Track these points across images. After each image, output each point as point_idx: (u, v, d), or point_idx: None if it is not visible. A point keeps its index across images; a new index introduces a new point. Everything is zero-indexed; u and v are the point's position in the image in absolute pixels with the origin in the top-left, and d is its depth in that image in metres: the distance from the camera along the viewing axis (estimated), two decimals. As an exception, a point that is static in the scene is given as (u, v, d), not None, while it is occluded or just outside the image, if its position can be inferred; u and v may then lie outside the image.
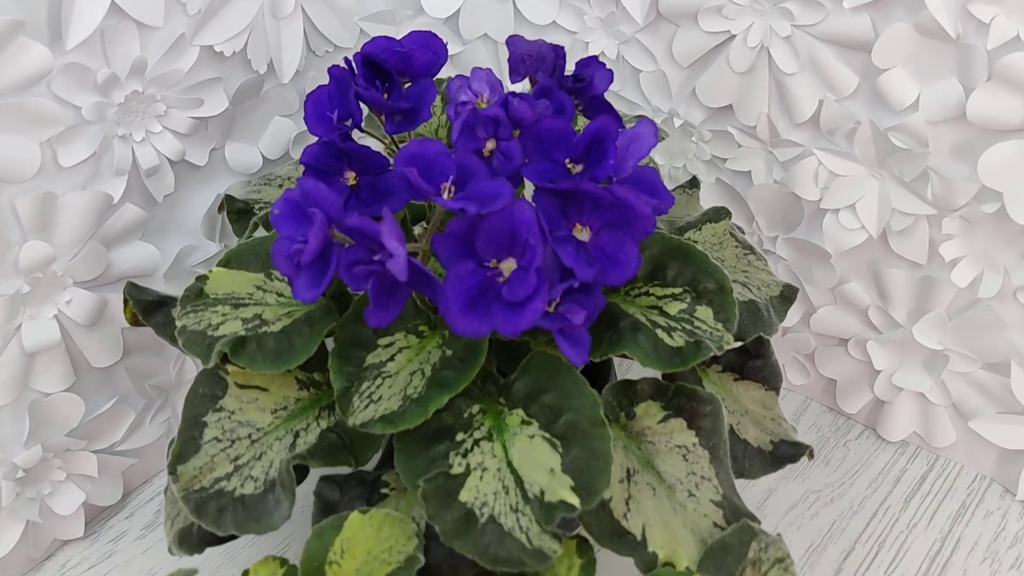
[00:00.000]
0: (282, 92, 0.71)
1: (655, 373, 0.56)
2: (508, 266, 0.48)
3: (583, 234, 0.50)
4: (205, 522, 0.47)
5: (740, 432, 0.55)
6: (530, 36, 0.78)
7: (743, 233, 0.70)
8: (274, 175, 0.70)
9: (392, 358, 0.51)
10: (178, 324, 0.53)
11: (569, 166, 0.50)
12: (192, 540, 0.50)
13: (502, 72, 0.81)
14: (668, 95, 0.75)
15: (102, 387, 0.69)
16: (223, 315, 0.53)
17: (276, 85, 0.70)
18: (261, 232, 0.63)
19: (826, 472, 0.77)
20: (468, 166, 0.49)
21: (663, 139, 0.70)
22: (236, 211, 0.65)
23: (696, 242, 0.64)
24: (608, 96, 0.79)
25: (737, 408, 0.56)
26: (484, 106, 0.52)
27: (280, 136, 0.73)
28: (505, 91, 0.54)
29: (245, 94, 0.68)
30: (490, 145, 0.51)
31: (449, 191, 0.47)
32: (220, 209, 0.68)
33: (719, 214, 0.64)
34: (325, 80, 0.74)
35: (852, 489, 0.75)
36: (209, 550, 0.51)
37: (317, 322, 0.52)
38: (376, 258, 0.46)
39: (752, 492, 0.73)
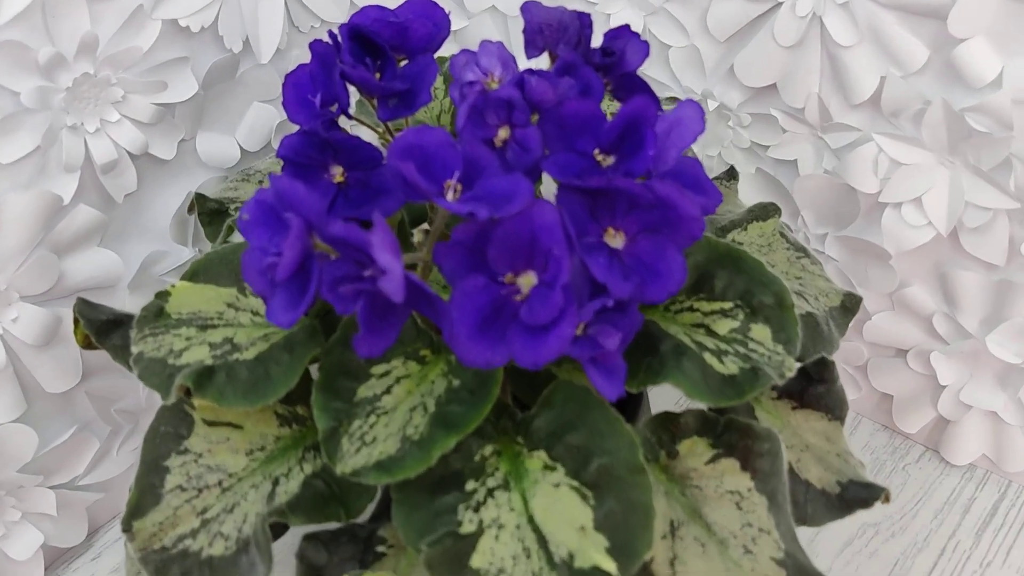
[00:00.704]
0: (261, 74, 0.63)
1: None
2: (527, 281, 0.40)
3: (617, 240, 0.42)
4: (165, 592, 0.40)
5: (801, 471, 0.48)
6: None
7: (790, 231, 0.62)
8: (253, 170, 0.62)
9: (388, 390, 0.44)
10: (134, 350, 0.45)
11: (599, 158, 0.43)
12: (152, 610, 0.42)
13: (514, 50, 0.72)
14: (701, 73, 0.67)
15: (59, 414, 0.62)
16: (187, 339, 0.46)
17: (254, 66, 0.62)
18: (238, 237, 0.55)
19: (883, 500, 0.69)
20: (477, 159, 0.41)
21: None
22: (208, 212, 0.58)
23: (743, 244, 0.56)
24: (633, 75, 0.71)
25: (796, 442, 0.48)
26: (495, 86, 0.44)
27: (260, 125, 0.65)
28: (520, 69, 0.46)
29: (218, 76, 0.60)
30: (503, 133, 0.43)
31: (454, 190, 0.40)
32: (190, 210, 0.60)
33: (767, 211, 0.56)
34: (309, 59, 0.67)
35: (915, 522, 0.67)
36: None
37: (299, 347, 0.44)
38: (366, 274, 0.39)
39: (801, 527, 0.65)
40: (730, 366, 0.44)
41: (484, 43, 0.45)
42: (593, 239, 0.42)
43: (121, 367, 0.62)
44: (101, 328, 0.51)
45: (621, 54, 0.45)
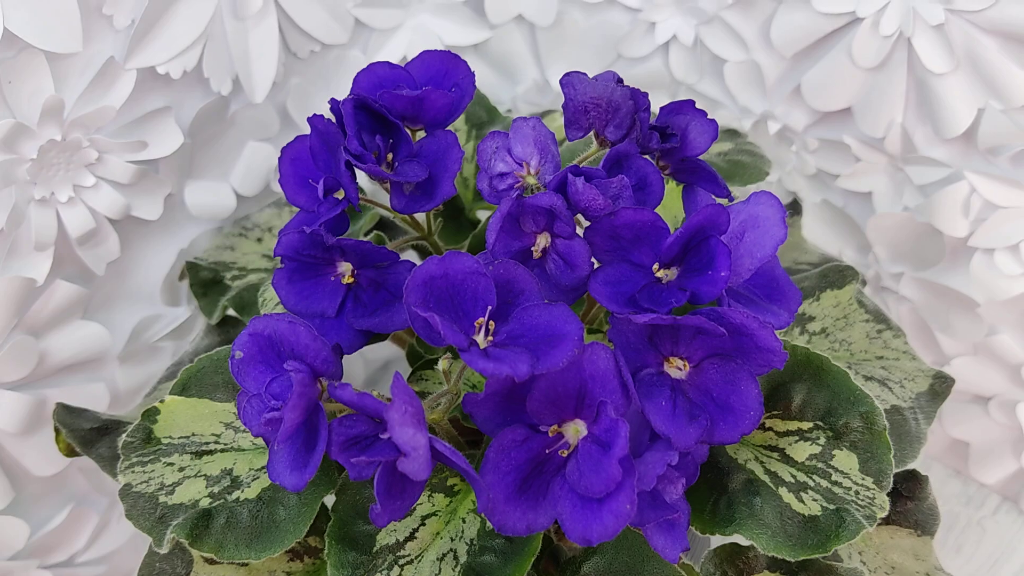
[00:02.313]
0: (255, 113, 0.57)
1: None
2: (575, 430, 0.36)
3: (680, 370, 0.36)
4: None
5: (887, 601, 0.43)
6: (580, 17, 0.63)
7: (862, 285, 0.56)
8: (251, 223, 0.57)
9: (413, 534, 0.39)
10: (120, 479, 0.41)
11: (659, 273, 0.37)
12: None
13: (544, 65, 0.65)
14: (761, 92, 0.60)
15: (52, 495, 0.58)
16: (180, 470, 0.41)
17: (246, 105, 0.55)
18: (235, 325, 0.50)
19: (959, 561, 0.65)
20: (512, 283, 0.36)
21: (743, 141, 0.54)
22: (201, 282, 0.52)
23: (815, 317, 0.50)
24: (682, 91, 0.64)
25: (880, 564, 0.43)
26: (532, 181, 0.38)
27: (257, 166, 0.59)
28: (558, 151, 0.39)
29: (206, 122, 0.54)
30: (542, 241, 0.37)
31: (486, 331, 0.34)
32: (181, 277, 0.54)
33: (843, 276, 0.50)
34: (311, 91, 0.60)
35: (996, 589, 0.63)
36: None
37: (308, 487, 0.39)
38: (384, 436, 0.34)
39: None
40: (811, 505, 0.39)
41: (517, 124, 0.39)
42: (652, 371, 0.37)
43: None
44: (85, 437, 0.46)
45: (683, 135, 0.39)
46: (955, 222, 0.56)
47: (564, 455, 0.35)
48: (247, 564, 0.42)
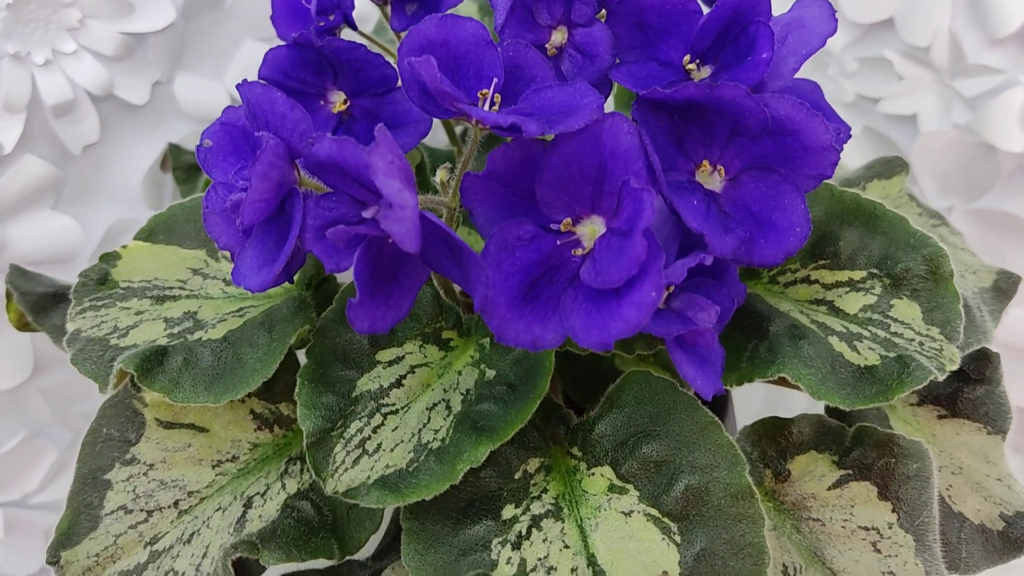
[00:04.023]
0: (255, 6, 0.54)
1: (807, 403, 0.37)
2: (591, 230, 0.31)
3: (713, 180, 0.32)
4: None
5: (953, 502, 0.37)
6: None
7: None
8: (243, 120, 0.53)
9: (399, 382, 0.34)
10: (68, 327, 0.36)
11: (689, 68, 0.33)
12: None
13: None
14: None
15: (5, 416, 0.53)
16: (137, 314, 0.37)
17: (246, -6, 0.53)
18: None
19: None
20: (523, 64, 0.32)
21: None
22: (184, 167, 0.49)
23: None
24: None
25: (946, 463, 0.38)
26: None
27: (254, 68, 0.55)
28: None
29: (201, 6, 0.51)
30: (558, 37, 0.34)
31: (491, 103, 0.30)
32: (164, 165, 0.51)
33: (891, 167, 0.46)
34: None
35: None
36: None
37: (280, 324, 0.35)
38: (367, 214, 0.29)
39: None
40: (867, 355, 0.33)
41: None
42: (681, 176, 0.32)
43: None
44: (38, 304, 0.42)
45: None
46: (1010, 135, 0.52)
47: (578, 255, 0.30)
48: (207, 431, 0.37)
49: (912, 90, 0.56)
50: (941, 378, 0.32)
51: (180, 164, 0.49)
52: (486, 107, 0.30)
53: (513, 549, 0.32)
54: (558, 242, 0.31)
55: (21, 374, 0.52)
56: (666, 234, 0.32)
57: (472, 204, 0.31)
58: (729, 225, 0.32)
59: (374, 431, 0.33)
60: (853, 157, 0.62)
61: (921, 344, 0.34)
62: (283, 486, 0.36)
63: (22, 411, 0.55)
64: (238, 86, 0.31)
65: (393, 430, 0.33)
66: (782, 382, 0.34)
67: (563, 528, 0.33)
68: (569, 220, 0.31)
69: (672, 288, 0.32)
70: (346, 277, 0.39)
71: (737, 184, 0.33)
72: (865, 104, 0.59)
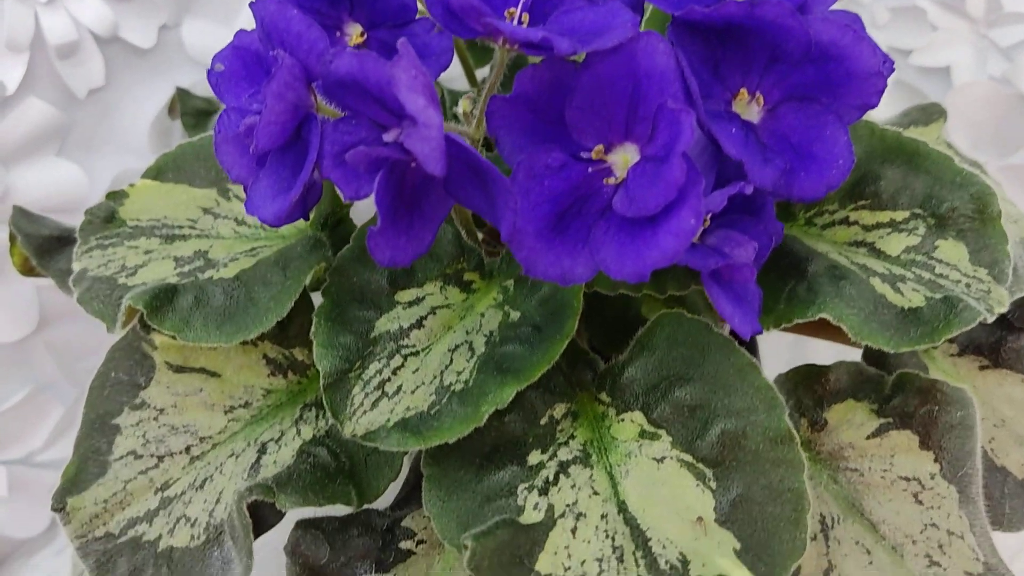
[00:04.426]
0: (266, -53, 0.52)
1: (844, 352, 0.36)
2: (624, 158, 0.29)
3: (751, 109, 0.31)
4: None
5: (996, 456, 0.36)
6: None
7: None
8: (254, 66, 0.52)
9: (420, 323, 0.33)
10: (75, 267, 0.35)
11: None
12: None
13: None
14: (825, -44, 0.55)
15: (10, 370, 0.52)
16: (146, 253, 0.35)
17: (256, -67, 0.51)
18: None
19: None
20: (551, -14, 0.30)
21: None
22: (193, 112, 0.48)
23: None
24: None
25: (988, 415, 0.36)
26: None
27: (264, 14, 0.54)
28: None
29: (210, -56, 0.49)
30: (587, -44, 0.31)
31: (519, 21, 0.28)
32: (172, 111, 0.49)
33: (928, 113, 0.44)
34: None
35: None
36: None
37: (295, 262, 0.34)
38: (388, 137, 0.28)
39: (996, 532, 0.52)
40: (912, 296, 0.32)
41: None
42: (719, 106, 0.31)
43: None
44: (43, 247, 0.41)
45: None
46: (1050, 84, 0.50)
47: (611, 184, 0.29)
48: (219, 375, 0.35)
49: (946, 42, 0.54)
50: (991, 319, 0.31)
51: (189, 110, 0.48)
52: (514, 23, 0.29)
53: (540, 495, 0.31)
54: (589, 170, 0.29)
55: (27, 327, 0.51)
56: (702, 165, 0.30)
57: (498, 130, 0.29)
58: (768, 156, 0.30)
59: (394, 373, 0.32)
60: (885, 111, 0.60)
61: (968, 286, 0.32)
62: (298, 432, 0.34)
63: (27, 365, 0.54)
64: (251, 4, 0.30)
65: (414, 372, 0.32)
66: (812, 331, 0.33)
67: (592, 475, 0.31)
68: (601, 147, 0.29)
69: (708, 222, 0.30)
70: (361, 220, 0.37)
71: (775, 116, 0.31)
72: (896, 56, 0.58)
